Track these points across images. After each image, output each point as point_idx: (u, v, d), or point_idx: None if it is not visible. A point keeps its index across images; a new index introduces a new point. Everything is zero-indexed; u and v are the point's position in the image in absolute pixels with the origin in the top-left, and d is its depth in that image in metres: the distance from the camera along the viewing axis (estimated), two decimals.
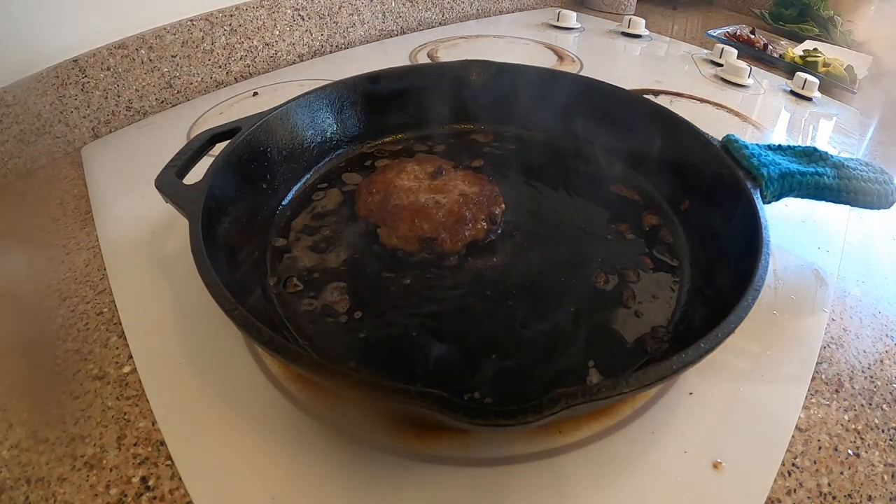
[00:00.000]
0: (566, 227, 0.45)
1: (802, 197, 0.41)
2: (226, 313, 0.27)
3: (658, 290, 0.39)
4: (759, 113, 0.71)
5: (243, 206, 0.40)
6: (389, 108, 0.54)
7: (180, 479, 0.28)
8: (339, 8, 0.78)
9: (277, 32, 0.72)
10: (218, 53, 0.66)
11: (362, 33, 0.83)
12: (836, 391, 0.35)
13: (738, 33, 0.97)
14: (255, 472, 0.28)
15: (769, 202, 0.39)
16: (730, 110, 0.70)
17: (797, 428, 0.32)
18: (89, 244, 0.44)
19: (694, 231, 0.43)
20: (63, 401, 0.32)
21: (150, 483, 0.28)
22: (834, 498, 0.29)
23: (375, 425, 0.30)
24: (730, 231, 0.38)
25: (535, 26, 0.96)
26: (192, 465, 0.28)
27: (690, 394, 0.33)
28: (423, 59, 0.79)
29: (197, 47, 0.64)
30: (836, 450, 0.32)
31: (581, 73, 0.75)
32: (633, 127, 0.50)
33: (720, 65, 0.83)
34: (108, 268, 0.41)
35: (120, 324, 0.37)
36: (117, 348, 0.35)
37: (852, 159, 0.43)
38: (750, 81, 0.78)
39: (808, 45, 0.94)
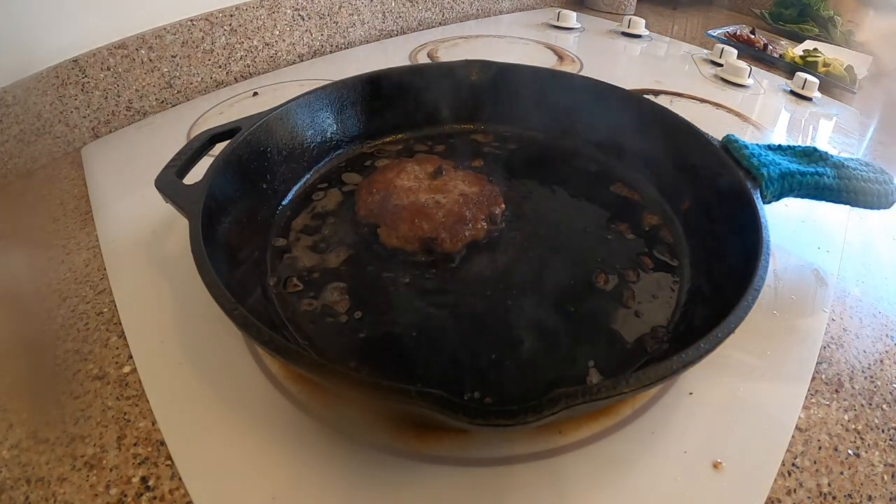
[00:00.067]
0: (566, 227, 0.45)
1: (802, 197, 0.41)
2: (226, 313, 0.27)
3: (658, 290, 0.39)
4: (759, 113, 0.71)
5: (243, 206, 0.40)
6: (389, 108, 0.54)
7: (180, 479, 0.28)
8: (339, 8, 0.78)
9: (277, 32, 0.72)
10: (218, 53, 0.66)
11: (362, 33, 0.83)
12: (836, 391, 0.35)
13: (738, 33, 0.97)
14: (255, 472, 0.28)
15: (769, 202, 0.39)
16: (730, 110, 0.70)
17: (797, 428, 0.32)
18: (89, 244, 0.44)
19: (694, 231, 0.43)
20: (63, 401, 0.32)
21: (150, 483, 0.28)
22: (834, 498, 0.29)
23: (375, 425, 0.30)
24: (730, 231, 0.38)
25: (535, 26, 0.96)
26: (192, 465, 0.28)
27: (690, 394, 0.33)
28: (423, 59, 0.79)
29: (197, 47, 0.64)
30: (836, 450, 0.32)
31: (581, 73, 0.75)
32: (632, 127, 0.50)
33: (720, 65, 0.83)
34: (108, 268, 0.41)
35: (120, 324, 0.37)
36: (117, 348, 0.35)
37: (852, 159, 0.43)
38: (750, 81, 0.78)
39: (808, 45, 0.94)
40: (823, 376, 0.36)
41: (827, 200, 0.41)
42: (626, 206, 0.47)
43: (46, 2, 0.51)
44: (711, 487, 0.28)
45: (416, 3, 0.89)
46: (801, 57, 0.88)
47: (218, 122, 0.48)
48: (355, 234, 0.42)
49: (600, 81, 0.53)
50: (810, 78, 0.76)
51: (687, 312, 0.37)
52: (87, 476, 0.28)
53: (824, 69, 0.84)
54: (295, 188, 0.47)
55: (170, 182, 0.36)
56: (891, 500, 0.30)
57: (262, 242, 0.41)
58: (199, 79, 0.66)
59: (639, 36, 0.94)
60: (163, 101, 0.63)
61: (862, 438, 0.33)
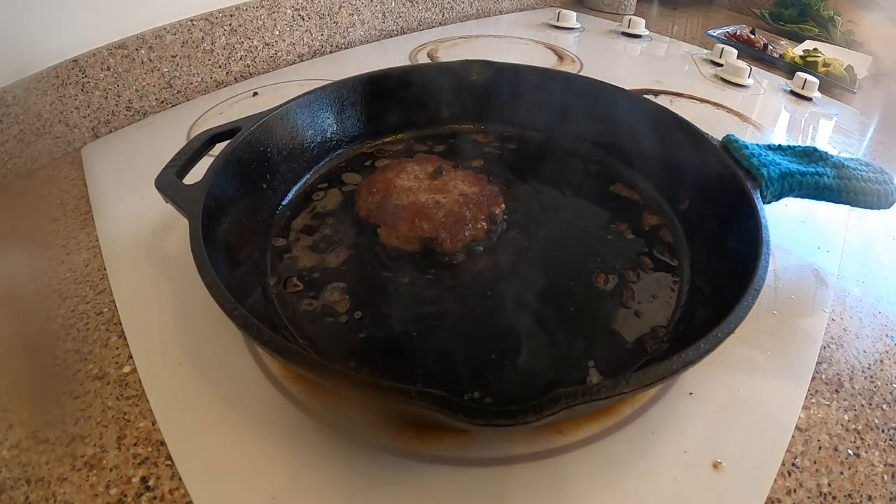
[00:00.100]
0: (566, 227, 0.45)
1: (802, 197, 0.41)
2: (226, 313, 0.27)
3: (658, 290, 0.39)
4: (759, 113, 0.71)
5: (243, 206, 0.40)
6: (389, 109, 0.54)
7: (180, 479, 0.28)
8: (339, 8, 0.78)
9: (277, 32, 0.72)
10: (218, 53, 0.66)
11: (362, 33, 0.83)
12: (836, 391, 0.35)
13: (738, 33, 0.97)
14: (255, 472, 0.28)
15: (769, 202, 0.39)
16: (730, 110, 0.70)
17: (797, 428, 0.32)
18: (89, 244, 0.44)
19: (694, 231, 0.43)
20: (63, 401, 0.32)
21: (150, 483, 0.28)
22: (834, 498, 0.29)
23: (375, 425, 0.30)
24: (730, 231, 0.38)
25: (535, 26, 0.96)
26: (192, 465, 0.28)
27: (690, 394, 0.33)
28: (423, 59, 0.79)
29: (197, 47, 0.64)
30: (836, 450, 0.32)
31: (581, 73, 0.75)
32: (632, 127, 0.50)
33: (720, 65, 0.83)
34: (108, 268, 0.41)
35: (120, 324, 0.37)
36: (117, 348, 0.35)
37: (852, 159, 0.43)
38: (750, 81, 0.78)
39: (808, 45, 0.94)
40: (823, 376, 0.36)
41: (827, 200, 0.41)
42: (626, 206, 0.47)
43: (46, 2, 0.51)
44: (711, 487, 0.28)
45: (416, 3, 0.89)
46: (801, 57, 0.88)
47: (218, 122, 0.48)
48: (355, 234, 0.42)
49: (600, 81, 0.53)
50: (810, 78, 0.76)
51: (687, 312, 0.37)
52: (87, 476, 0.28)
53: (824, 69, 0.84)
54: (295, 188, 0.47)
55: (170, 182, 0.36)
56: (891, 500, 0.30)
57: (262, 242, 0.41)
58: (199, 79, 0.66)
59: (639, 36, 0.94)
60: (163, 101, 0.63)
61: (862, 438, 0.33)
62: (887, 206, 0.42)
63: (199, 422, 0.30)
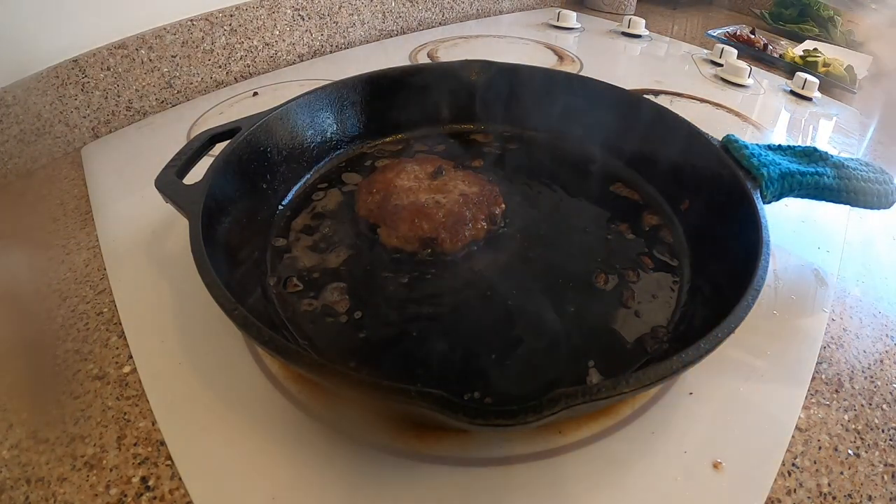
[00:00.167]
0: (566, 227, 0.45)
1: (802, 197, 0.41)
2: (226, 313, 0.27)
3: (658, 290, 0.39)
4: (759, 113, 0.71)
5: (243, 206, 0.40)
6: (389, 109, 0.54)
7: (180, 479, 0.28)
8: (339, 8, 0.78)
9: (277, 32, 0.72)
10: (218, 53, 0.66)
11: (362, 33, 0.83)
12: (836, 391, 0.35)
13: (738, 33, 0.97)
14: (255, 473, 0.28)
15: (769, 202, 0.39)
16: (730, 110, 0.70)
17: (797, 428, 0.32)
18: (89, 244, 0.44)
19: (694, 231, 0.43)
20: (63, 401, 0.32)
21: (150, 483, 0.28)
22: (834, 498, 0.29)
23: (375, 425, 0.30)
24: (730, 231, 0.38)
25: (535, 26, 0.96)
26: (192, 465, 0.28)
27: (690, 394, 0.33)
28: (423, 59, 0.79)
29: (197, 47, 0.64)
30: (836, 450, 0.32)
31: (581, 73, 0.75)
32: (632, 127, 0.50)
33: (720, 65, 0.83)
34: (108, 268, 0.41)
35: (120, 324, 0.37)
36: (117, 348, 0.35)
37: (852, 159, 0.43)
38: (750, 81, 0.78)
39: (808, 45, 0.94)
40: (823, 376, 0.36)
41: (827, 200, 0.41)
42: (626, 206, 0.47)
43: (46, 2, 0.51)
44: (711, 487, 0.28)
45: (416, 3, 0.89)
46: (801, 57, 0.88)
47: (218, 122, 0.48)
48: (355, 234, 0.42)
49: (600, 81, 0.53)
50: (810, 78, 0.76)
51: (687, 312, 0.37)
52: (87, 476, 0.28)
53: (824, 69, 0.84)
54: (295, 188, 0.47)
55: (170, 182, 0.36)
56: (891, 500, 0.30)
57: (262, 242, 0.41)
58: (199, 79, 0.66)
59: (639, 36, 0.94)
60: (163, 101, 0.63)
61: (862, 438, 0.33)
62: (887, 206, 0.42)
63: (199, 422, 0.30)
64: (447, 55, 0.80)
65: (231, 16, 0.66)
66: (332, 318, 0.35)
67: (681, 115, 0.47)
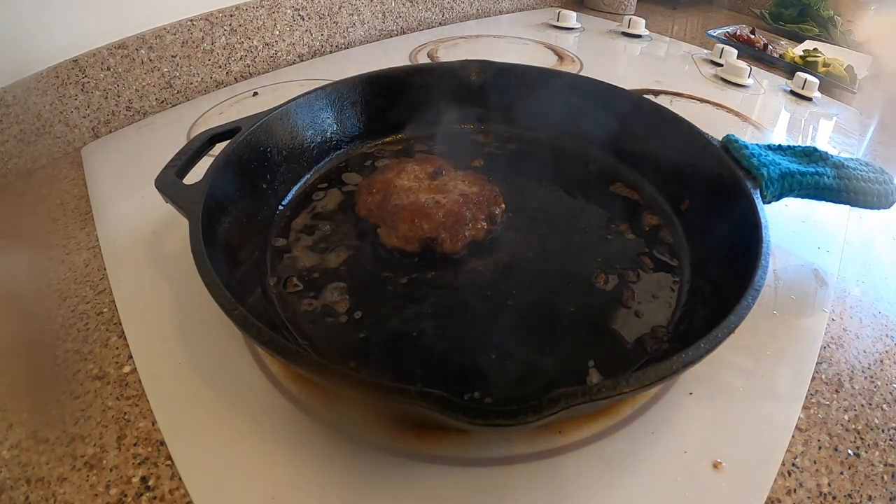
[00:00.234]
0: (566, 228, 0.45)
1: (802, 197, 0.41)
2: (226, 313, 0.27)
3: (658, 290, 0.39)
4: (759, 113, 0.71)
5: (243, 206, 0.40)
6: (389, 108, 0.54)
7: (180, 479, 0.28)
8: (339, 8, 0.78)
9: (277, 32, 0.72)
10: (218, 53, 0.66)
11: (362, 33, 0.83)
12: (836, 391, 0.35)
13: (738, 33, 0.97)
14: (255, 473, 0.28)
15: (769, 202, 0.39)
16: (730, 110, 0.70)
17: (797, 428, 0.32)
18: (89, 244, 0.44)
19: (694, 231, 0.43)
20: (63, 401, 0.32)
21: (150, 483, 0.28)
22: (834, 498, 0.29)
23: (375, 425, 0.30)
24: (730, 231, 0.38)
25: (535, 26, 0.96)
26: (192, 465, 0.28)
27: (690, 394, 0.33)
28: (423, 59, 0.79)
29: (197, 47, 0.64)
30: (836, 450, 0.32)
31: (581, 73, 0.75)
32: (632, 127, 0.50)
33: (720, 65, 0.83)
34: (108, 268, 0.41)
35: (120, 324, 0.37)
36: (117, 348, 0.35)
37: (852, 159, 0.43)
38: (750, 81, 0.78)
39: (808, 45, 0.94)
40: (823, 376, 0.36)
41: (827, 200, 0.41)
42: (626, 206, 0.47)
43: (46, 2, 0.51)
44: (711, 487, 0.28)
45: (416, 3, 0.89)
46: (801, 57, 0.88)
47: (218, 122, 0.48)
48: (355, 234, 0.42)
49: (600, 81, 0.53)
50: (810, 78, 0.76)
51: (687, 312, 0.37)
52: (87, 476, 0.28)
53: (824, 69, 0.84)
54: (295, 188, 0.47)
55: (170, 182, 0.36)
56: (891, 500, 0.30)
57: (262, 242, 0.41)
58: (199, 79, 0.66)
59: (639, 36, 0.94)
60: (163, 101, 0.63)
61: (862, 438, 0.33)
62: (887, 206, 0.42)
63: (199, 422, 0.30)
64: (447, 55, 0.80)
65: (231, 16, 0.66)
66: (332, 318, 0.35)
67: (681, 115, 0.47)
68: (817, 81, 0.76)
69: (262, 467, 0.28)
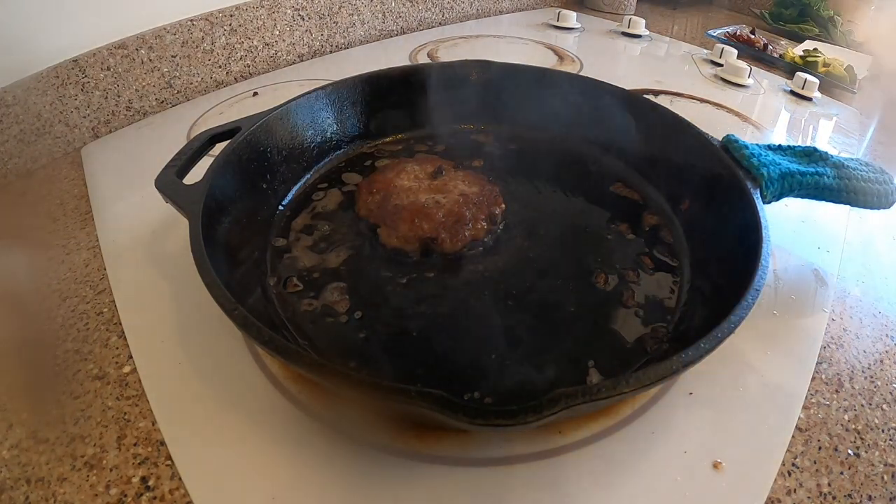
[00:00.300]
0: (566, 227, 0.45)
1: (802, 197, 0.41)
2: (226, 313, 0.27)
3: (658, 290, 0.39)
4: (759, 113, 0.71)
5: (243, 206, 0.40)
6: (389, 108, 0.54)
7: (180, 479, 0.28)
8: (339, 8, 0.78)
9: (277, 32, 0.72)
10: (218, 53, 0.66)
11: (362, 33, 0.83)
12: (836, 391, 0.35)
13: (738, 33, 0.97)
14: (255, 473, 0.28)
15: (769, 202, 0.39)
16: (730, 110, 0.70)
17: (797, 428, 0.32)
18: (89, 244, 0.44)
19: (694, 231, 0.43)
20: (63, 401, 0.32)
21: (150, 483, 0.28)
22: (834, 498, 0.29)
23: (375, 425, 0.30)
24: (730, 231, 0.38)
25: (535, 26, 0.96)
26: (192, 465, 0.28)
27: (690, 394, 0.33)
28: (423, 59, 0.79)
29: (197, 47, 0.64)
30: (836, 450, 0.32)
31: (581, 73, 0.75)
32: (632, 127, 0.50)
33: (720, 65, 0.83)
34: (108, 268, 0.41)
35: (120, 324, 0.37)
36: (117, 348, 0.35)
37: (852, 159, 0.43)
38: (750, 81, 0.78)
39: (808, 45, 0.94)
40: (823, 376, 0.36)
41: (827, 200, 0.41)
42: (626, 206, 0.47)
43: (46, 2, 0.51)
44: (711, 487, 0.28)
45: (416, 3, 0.89)
46: (801, 57, 0.88)
47: (218, 122, 0.48)
48: (355, 234, 0.42)
49: (600, 81, 0.53)
50: (810, 78, 0.76)
51: (687, 312, 0.37)
52: (87, 476, 0.28)
53: (824, 69, 0.84)
54: (295, 188, 0.47)
55: (170, 182, 0.36)
56: (891, 499, 0.30)
57: (262, 242, 0.41)
58: (199, 79, 0.66)
59: (639, 36, 0.94)
60: (163, 101, 0.63)
61: (862, 438, 0.33)
62: (887, 206, 0.42)
63: (199, 422, 0.30)
64: (447, 55, 0.80)
65: (231, 16, 0.66)
66: (332, 318, 0.35)
67: (681, 115, 0.47)
68: (817, 81, 0.76)
69: (262, 467, 0.28)
